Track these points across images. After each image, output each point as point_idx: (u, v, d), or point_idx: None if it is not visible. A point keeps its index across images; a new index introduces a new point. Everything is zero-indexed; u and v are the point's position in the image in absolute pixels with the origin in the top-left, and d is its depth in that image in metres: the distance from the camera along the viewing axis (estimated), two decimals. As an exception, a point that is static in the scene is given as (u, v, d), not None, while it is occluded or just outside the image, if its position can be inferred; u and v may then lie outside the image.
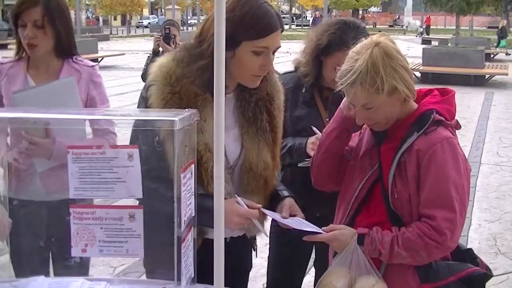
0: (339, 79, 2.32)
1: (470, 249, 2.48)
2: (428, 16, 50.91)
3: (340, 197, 2.60)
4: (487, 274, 2.40)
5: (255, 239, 2.69)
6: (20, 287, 2.27)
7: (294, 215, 2.47)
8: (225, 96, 2.40)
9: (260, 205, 2.39)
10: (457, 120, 2.42)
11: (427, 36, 34.68)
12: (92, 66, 3.16)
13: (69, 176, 2.06)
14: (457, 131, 2.43)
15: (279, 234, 3.21)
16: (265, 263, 3.41)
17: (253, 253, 2.75)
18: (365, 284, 2.28)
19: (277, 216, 2.44)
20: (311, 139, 2.94)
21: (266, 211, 2.42)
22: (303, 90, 3.06)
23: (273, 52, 2.39)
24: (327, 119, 3.02)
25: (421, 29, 34.75)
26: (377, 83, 2.24)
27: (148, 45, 21.92)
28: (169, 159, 2.20)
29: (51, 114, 2.27)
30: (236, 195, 2.38)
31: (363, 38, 2.43)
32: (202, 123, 2.27)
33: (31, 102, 2.70)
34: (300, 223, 2.43)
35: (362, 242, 2.32)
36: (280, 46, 2.39)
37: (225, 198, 2.35)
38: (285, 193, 2.57)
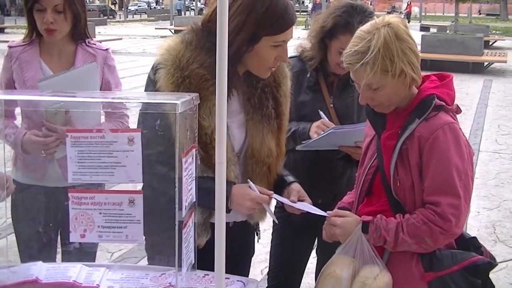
0: (347, 57, 2.29)
1: (475, 238, 2.45)
2: (409, 3, 51.22)
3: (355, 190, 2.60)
4: (491, 263, 2.38)
5: (258, 224, 2.66)
6: (19, 273, 2.25)
7: (302, 200, 2.46)
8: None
9: (272, 192, 2.38)
10: (457, 105, 2.39)
11: (426, 23, 34.60)
12: (106, 49, 3.17)
13: (67, 160, 2.03)
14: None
15: (283, 221, 3.20)
16: (263, 249, 3.40)
17: (256, 238, 2.73)
18: (369, 274, 2.27)
19: (286, 200, 2.43)
20: (316, 123, 2.91)
21: (276, 196, 2.41)
22: (308, 75, 3.03)
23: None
24: (331, 105, 3.00)
25: (402, 15, 34.83)
26: (387, 65, 2.23)
27: (145, 30, 21.88)
28: (170, 143, 2.17)
29: (66, 98, 2.22)
30: (248, 180, 2.37)
31: None
32: (212, 107, 2.24)
33: (56, 88, 2.68)
34: (308, 207, 2.43)
35: (367, 230, 2.31)
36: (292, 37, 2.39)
37: (234, 183, 2.34)
38: (291, 178, 2.56)
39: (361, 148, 2.66)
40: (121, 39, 25.84)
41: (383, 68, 2.23)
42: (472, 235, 2.48)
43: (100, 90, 3.03)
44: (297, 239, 3.22)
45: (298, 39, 3.35)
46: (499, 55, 18.88)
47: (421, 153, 2.26)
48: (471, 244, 2.42)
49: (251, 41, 2.29)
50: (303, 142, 2.90)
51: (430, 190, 2.26)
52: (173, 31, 24.86)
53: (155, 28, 26.06)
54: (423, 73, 2.39)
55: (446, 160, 2.24)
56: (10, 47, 3.09)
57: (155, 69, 2.34)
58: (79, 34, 3.06)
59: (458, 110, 2.38)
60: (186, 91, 2.24)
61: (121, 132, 2.01)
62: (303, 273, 3.43)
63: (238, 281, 2.29)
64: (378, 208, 2.39)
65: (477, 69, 17.56)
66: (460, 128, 2.35)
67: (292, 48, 3.20)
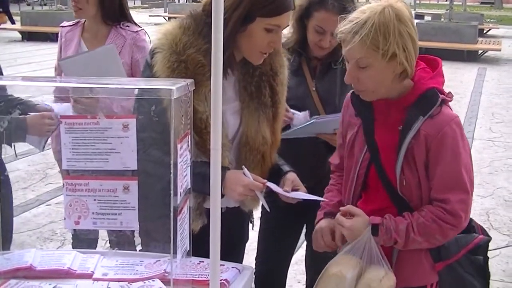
0: (341, 26, 2.20)
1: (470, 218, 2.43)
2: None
3: (343, 185, 2.51)
4: (488, 239, 2.40)
5: (252, 212, 2.66)
6: (13, 260, 2.24)
7: (297, 190, 2.45)
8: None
9: (265, 180, 2.37)
10: (450, 92, 2.32)
11: (420, 11, 34.56)
12: (137, 31, 3.47)
13: (62, 147, 2.02)
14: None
15: (271, 206, 3.20)
16: (257, 237, 3.39)
17: (250, 226, 2.73)
18: (374, 276, 2.22)
19: (280, 190, 2.42)
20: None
21: (271, 185, 2.39)
22: (291, 60, 3.02)
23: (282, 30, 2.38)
24: (314, 89, 2.99)
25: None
26: (379, 41, 2.12)
27: (139, 16, 21.77)
28: (165, 129, 2.16)
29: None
30: (243, 166, 2.36)
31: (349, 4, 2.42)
32: (208, 93, 2.24)
33: (76, 67, 2.99)
34: (302, 195, 2.43)
35: (376, 233, 2.24)
36: (289, 25, 2.40)
37: (228, 168, 2.33)
38: (286, 168, 2.56)
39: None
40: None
41: (374, 43, 2.12)
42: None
43: (130, 69, 3.40)
44: (285, 224, 3.21)
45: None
46: (493, 44, 18.86)
47: (427, 151, 2.21)
48: (468, 224, 2.39)
49: (245, 20, 2.28)
50: (284, 131, 2.90)
51: (439, 187, 2.21)
52: (167, 18, 24.72)
53: (149, 16, 25.90)
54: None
55: (455, 157, 2.20)
56: (61, 26, 3.60)
57: (152, 54, 2.34)
58: (108, 16, 3.42)
59: (452, 98, 2.32)
60: (182, 76, 2.24)
61: (116, 118, 2.00)
62: (291, 258, 3.43)
63: (233, 267, 2.29)
64: (380, 205, 2.33)
65: (472, 57, 17.53)
66: None
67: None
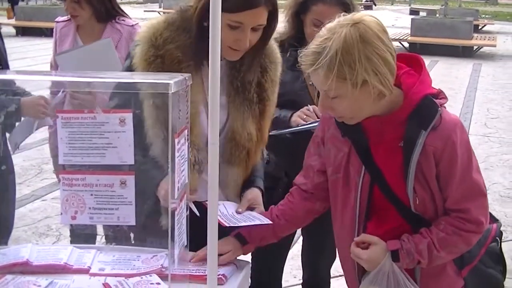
0: (302, 57, 2.01)
1: None
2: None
3: (335, 216, 2.32)
4: (499, 225, 2.30)
5: None
6: (9, 255, 2.23)
7: (253, 208, 2.40)
8: None
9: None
10: (442, 91, 2.18)
11: (415, 7, 34.54)
12: (133, 25, 3.53)
13: (58, 141, 2.01)
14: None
15: (266, 199, 3.19)
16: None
17: None
18: None
19: (232, 209, 2.35)
20: (299, 113, 2.90)
21: (222, 204, 2.33)
22: (288, 55, 3.00)
23: (255, 29, 2.28)
24: (310, 83, 2.97)
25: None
26: (345, 72, 1.92)
27: (135, 11, 21.75)
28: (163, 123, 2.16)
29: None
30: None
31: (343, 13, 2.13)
32: None
33: (72, 62, 3.02)
34: (250, 218, 2.32)
35: (397, 258, 2.10)
36: (263, 24, 2.28)
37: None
38: (257, 181, 2.51)
39: None
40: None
41: (340, 76, 1.93)
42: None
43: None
44: None
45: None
46: (488, 39, 18.87)
47: (437, 164, 2.06)
48: None
49: (208, 14, 2.23)
50: (280, 129, 2.89)
51: (456, 198, 2.09)
52: (162, 13, 24.68)
53: (144, 11, 25.85)
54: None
55: (466, 164, 2.08)
56: (56, 21, 3.63)
57: (134, 46, 2.33)
58: (101, 16, 3.46)
59: (446, 99, 2.16)
60: (158, 70, 2.23)
61: (113, 113, 1.99)
62: (287, 253, 3.42)
63: (230, 263, 2.28)
64: (393, 224, 2.17)
65: (467, 53, 17.54)
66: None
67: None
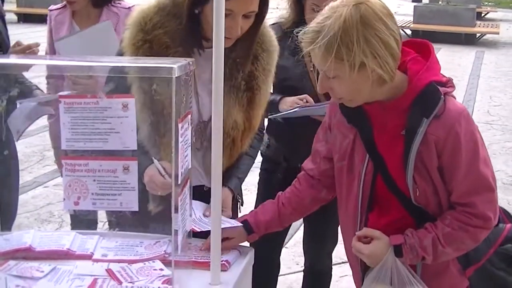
0: (302, 34, 1.98)
1: None
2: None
3: (341, 203, 2.28)
4: None
5: (241, 194, 2.62)
6: (12, 240, 2.23)
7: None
8: (206, 50, 2.33)
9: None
10: (451, 78, 2.11)
11: (418, -6, 34.47)
12: (129, 7, 3.46)
13: (60, 127, 2.00)
14: None
15: (265, 183, 3.20)
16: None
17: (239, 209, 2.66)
18: None
19: (197, 216, 2.30)
20: (291, 98, 2.92)
21: (195, 203, 2.27)
22: (289, 41, 2.98)
23: (247, 16, 2.26)
24: (311, 69, 2.96)
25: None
26: (343, 53, 1.87)
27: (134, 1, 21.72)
28: (166, 108, 2.14)
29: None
30: (153, 158, 2.24)
31: None
32: None
33: (72, 47, 2.98)
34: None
35: (400, 253, 2.04)
36: (254, 11, 2.25)
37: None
38: (230, 181, 2.45)
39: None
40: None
41: (338, 56, 1.88)
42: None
43: None
44: None
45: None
46: (491, 27, 18.81)
47: (439, 156, 1.98)
48: None
49: (199, 1, 2.21)
50: (272, 113, 2.91)
51: (461, 191, 2.01)
52: None
53: None
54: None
55: (472, 156, 1.98)
56: (50, 10, 3.57)
57: (125, 29, 2.32)
58: (99, 0, 3.40)
59: (453, 87, 2.08)
60: (146, 55, 2.22)
61: (116, 98, 1.98)
62: (285, 238, 3.42)
63: (234, 249, 2.28)
64: (395, 216, 2.11)
65: (470, 40, 17.49)
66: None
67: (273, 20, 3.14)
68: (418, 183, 2.01)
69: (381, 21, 1.89)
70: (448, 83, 2.05)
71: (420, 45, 2.11)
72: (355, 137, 2.13)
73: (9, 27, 3.37)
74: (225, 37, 2.21)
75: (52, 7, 3.60)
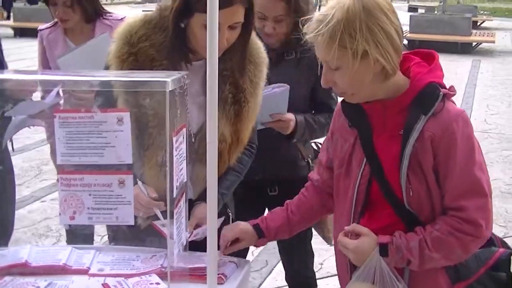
0: (308, 26, 2.00)
1: None
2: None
3: (337, 208, 2.27)
4: (510, 252, 2.12)
5: (231, 206, 2.61)
6: (8, 256, 2.22)
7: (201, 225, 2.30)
8: (193, 63, 2.33)
9: (156, 195, 2.22)
10: (453, 86, 2.09)
11: (414, 4, 34.59)
12: (121, 18, 3.48)
13: (56, 142, 1.99)
14: None
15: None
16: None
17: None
18: None
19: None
20: None
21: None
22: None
23: (233, 27, 2.24)
24: (266, 80, 2.88)
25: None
26: (345, 40, 1.90)
27: (133, 11, 21.72)
28: (151, 121, 2.15)
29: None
30: (138, 180, 2.22)
31: None
32: None
33: (74, 62, 3.03)
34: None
35: (386, 253, 1.98)
36: (240, 21, 2.24)
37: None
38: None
39: (283, 120, 2.75)
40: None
41: (341, 43, 1.90)
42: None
43: None
44: (247, 215, 3.08)
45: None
46: (487, 36, 18.89)
47: (435, 155, 1.96)
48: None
49: (184, 14, 2.20)
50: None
51: (452, 194, 1.97)
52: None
53: (142, 11, 25.89)
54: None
55: (467, 157, 1.95)
56: (39, 30, 3.58)
57: (112, 43, 2.33)
58: (90, 17, 3.45)
59: (455, 92, 2.06)
60: (131, 68, 2.22)
61: (110, 112, 1.98)
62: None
63: (230, 262, 2.27)
64: (385, 222, 2.07)
65: (466, 49, 17.55)
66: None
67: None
68: (412, 183, 1.98)
69: (382, 12, 1.93)
70: (451, 88, 2.06)
71: (426, 54, 2.14)
72: (355, 141, 2.13)
73: (5, 41, 3.38)
74: None
75: (41, 26, 3.62)
